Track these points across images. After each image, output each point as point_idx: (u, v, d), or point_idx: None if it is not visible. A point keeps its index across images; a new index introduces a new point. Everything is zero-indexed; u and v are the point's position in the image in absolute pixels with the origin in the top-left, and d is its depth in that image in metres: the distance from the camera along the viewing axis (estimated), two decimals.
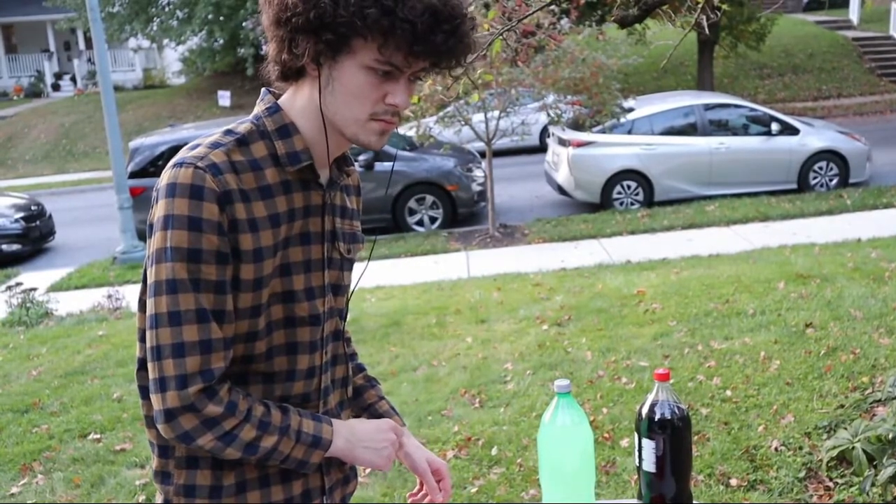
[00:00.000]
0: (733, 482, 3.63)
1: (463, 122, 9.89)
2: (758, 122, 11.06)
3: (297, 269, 1.46)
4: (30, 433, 4.99)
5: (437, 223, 10.89)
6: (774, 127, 10.87)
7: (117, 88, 27.14)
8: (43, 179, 19.44)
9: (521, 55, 9.24)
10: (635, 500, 1.85)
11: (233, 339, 1.40)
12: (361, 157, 10.63)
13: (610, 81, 9.85)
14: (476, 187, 11.01)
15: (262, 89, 1.52)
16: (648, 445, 1.81)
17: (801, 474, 3.65)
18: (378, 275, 8.69)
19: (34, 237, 12.25)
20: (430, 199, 10.90)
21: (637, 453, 1.83)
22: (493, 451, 4.15)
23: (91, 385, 5.78)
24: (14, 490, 4.31)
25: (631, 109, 10.86)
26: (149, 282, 1.37)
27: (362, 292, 7.90)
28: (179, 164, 1.35)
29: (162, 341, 1.34)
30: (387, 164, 10.77)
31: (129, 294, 8.69)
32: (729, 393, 4.52)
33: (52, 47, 29.42)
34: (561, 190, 11.23)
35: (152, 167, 10.92)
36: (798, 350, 5.00)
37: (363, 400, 1.76)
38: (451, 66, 1.39)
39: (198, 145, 1.39)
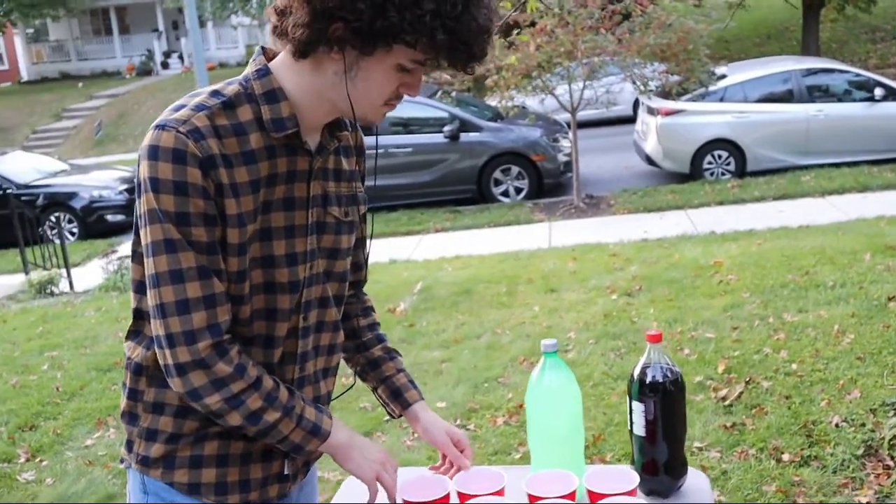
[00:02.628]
0: (786, 457, 3.50)
1: (546, 92, 9.77)
2: (861, 87, 10.49)
3: (279, 234, 1.45)
4: (108, 390, 5.24)
5: (523, 194, 10.82)
6: (878, 92, 10.29)
7: (221, 65, 28.02)
8: None
9: (605, 22, 9.06)
10: (627, 466, 1.80)
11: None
12: (447, 128, 10.66)
13: (699, 47, 9.53)
14: (562, 158, 10.87)
15: (258, 47, 1.49)
16: (639, 408, 1.76)
17: (860, 451, 3.48)
18: (459, 245, 8.73)
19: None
20: (515, 169, 10.83)
21: (629, 417, 1.79)
22: None
23: None
24: (89, 442, 4.55)
25: (722, 76, 10.48)
26: (144, 242, 1.37)
27: (441, 262, 7.95)
28: (162, 127, 1.34)
29: (165, 299, 1.35)
30: (472, 135, 10.76)
31: None
32: (795, 367, 4.34)
33: (161, 27, 30.48)
34: (649, 160, 10.97)
35: None
36: (876, 324, 4.76)
37: (381, 371, 1.76)
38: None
39: (183, 106, 1.38)
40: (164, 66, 29.00)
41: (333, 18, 1.27)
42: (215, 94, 1.40)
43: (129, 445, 1.53)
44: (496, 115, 11.15)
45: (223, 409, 1.39)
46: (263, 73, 1.42)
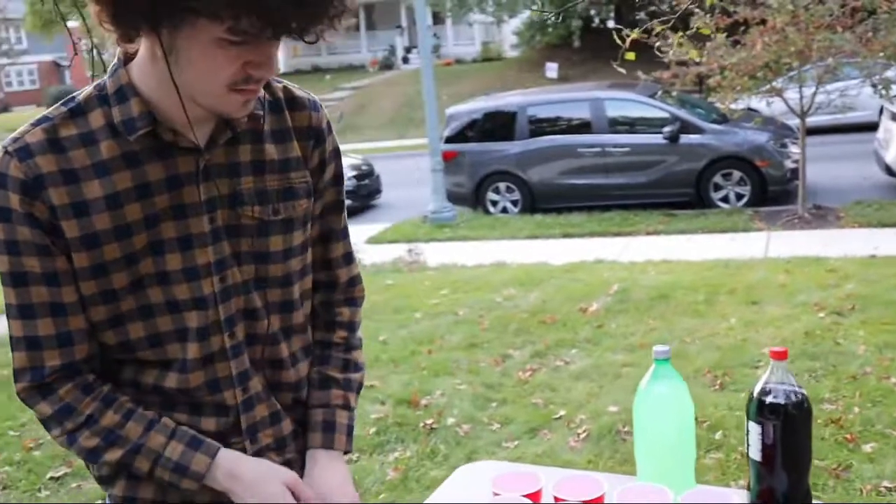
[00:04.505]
0: None
1: (774, 95, 9.20)
2: None
3: (171, 246, 1.29)
4: None
5: (744, 200, 10.25)
6: None
7: (458, 61, 28.81)
8: (384, 144, 21.28)
9: (844, 19, 8.39)
10: (742, 489, 1.69)
11: (87, 331, 1.30)
12: (666, 129, 10.33)
13: None
14: (790, 164, 10.18)
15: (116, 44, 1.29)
16: (755, 431, 1.63)
17: None
18: (668, 249, 8.46)
19: (363, 194, 13.49)
20: (737, 174, 10.29)
21: (746, 439, 1.67)
22: (717, 436, 3.91)
23: (365, 326, 6.27)
24: None
25: None
26: None
27: (645, 265, 7.75)
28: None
29: (9, 332, 1.30)
30: (693, 137, 10.36)
31: (429, 251, 9.29)
32: None
33: (404, 23, 31.80)
34: (890, 171, 10.02)
35: (466, 133, 11.50)
36: None
37: (309, 398, 1.49)
38: (326, 26, 1.14)
39: (33, 120, 1.27)
40: (405, 60, 30.28)
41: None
42: (67, 101, 1.28)
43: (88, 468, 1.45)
44: (721, 118, 10.66)
45: (64, 444, 1.31)
46: (115, 68, 1.27)
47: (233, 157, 1.32)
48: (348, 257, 1.56)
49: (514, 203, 11.28)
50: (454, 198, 11.46)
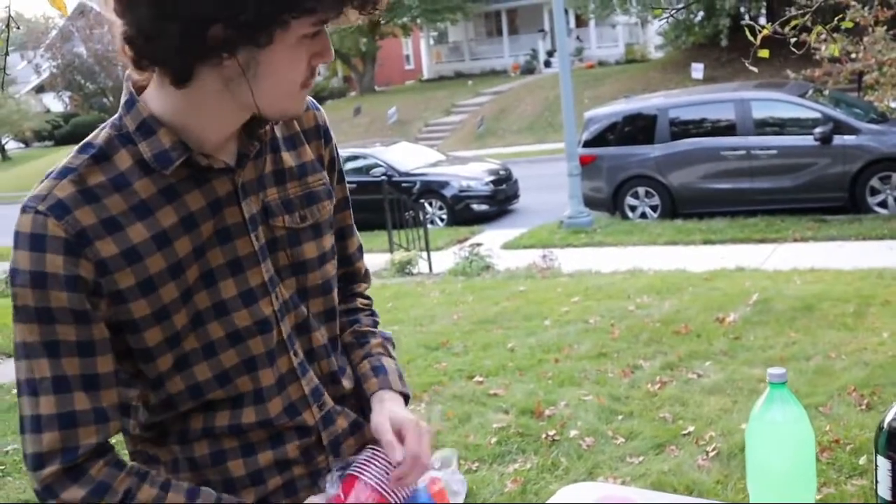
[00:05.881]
0: None
1: None
2: None
3: (222, 273, 1.24)
4: (431, 368, 5.60)
5: None
6: None
7: (601, 63, 28.40)
8: (523, 148, 21.21)
9: None
10: None
11: (119, 406, 1.22)
12: (818, 130, 9.78)
13: None
14: None
15: (126, 75, 1.23)
16: (885, 466, 1.48)
17: None
18: (816, 257, 8.02)
19: (500, 199, 13.51)
20: None
21: (874, 475, 1.52)
22: (861, 461, 3.63)
23: (494, 333, 6.27)
24: None
25: None
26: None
27: (791, 273, 7.36)
28: (23, 208, 1.15)
29: (22, 412, 1.17)
30: (847, 138, 9.75)
31: (564, 257, 9.18)
32: None
33: (547, 27, 31.62)
34: None
35: (604, 137, 11.28)
36: None
37: (350, 361, 1.47)
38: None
39: (50, 174, 1.18)
40: (547, 64, 30.09)
41: (208, 23, 1.04)
42: (85, 147, 1.19)
43: None
44: (880, 117, 9.99)
45: None
46: (130, 104, 1.19)
47: (259, 171, 1.29)
48: (361, 249, 1.56)
49: (654, 208, 10.98)
50: (592, 203, 11.27)
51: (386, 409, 1.35)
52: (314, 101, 1.42)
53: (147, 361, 1.23)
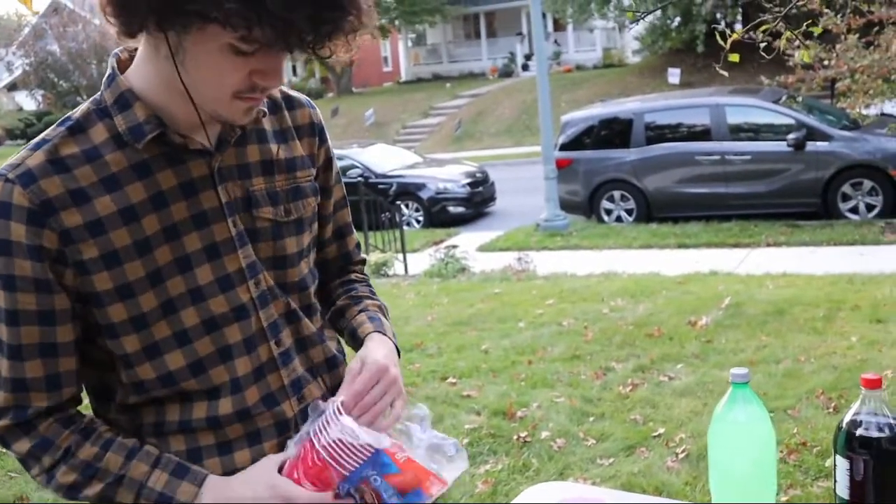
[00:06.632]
0: None
1: None
2: None
3: (199, 258, 1.23)
4: (405, 369, 5.59)
5: (875, 212, 9.71)
6: None
7: (579, 67, 28.52)
8: (501, 151, 21.26)
9: None
10: None
11: (76, 372, 1.24)
12: (791, 136, 9.88)
13: None
14: None
15: (112, 53, 1.26)
16: (843, 465, 1.50)
17: None
18: (789, 262, 8.10)
19: (477, 201, 13.53)
20: (868, 184, 9.74)
21: (833, 473, 1.54)
22: (827, 463, 3.67)
23: (468, 335, 6.28)
24: None
25: None
26: None
27: (763, 278, 7.42)
28: None
29: None
30: (820, 144, 9.86)
31: (539, 259, 9.21)
32: None
33: (525, 31, 31.71)
34: None
35: (580, 140, 11.32)
36: None
37: (344, 319, 1.49)
38: (342, 42, 1.11)
39: (30, 144, 1.20)
40: (525, 67, 30.16)
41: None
42: (64, 121, 1.21)
43: None
44: (852, 124, 10.11)
45: (43, 483, 1.23)
46: (111, 78, 1.21)
47: (242, 158, 1.29)
48: (359, 246, 1.60)
49: (629, 212, 11.05)
50: (568, 206, 11.31)
51: (367, 349, 1.37)
52: (309, 99, 1.43)
53: (112, 338, 1.23)
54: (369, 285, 1.58)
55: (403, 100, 28.54)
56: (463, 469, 1.31)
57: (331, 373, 1.40)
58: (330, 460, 1.21)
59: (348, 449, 1.20)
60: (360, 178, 11.97)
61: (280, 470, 1.25)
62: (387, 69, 38.16)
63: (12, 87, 37.80)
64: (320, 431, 1.23)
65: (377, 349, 1.37)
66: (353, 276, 1.57)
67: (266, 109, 1.32)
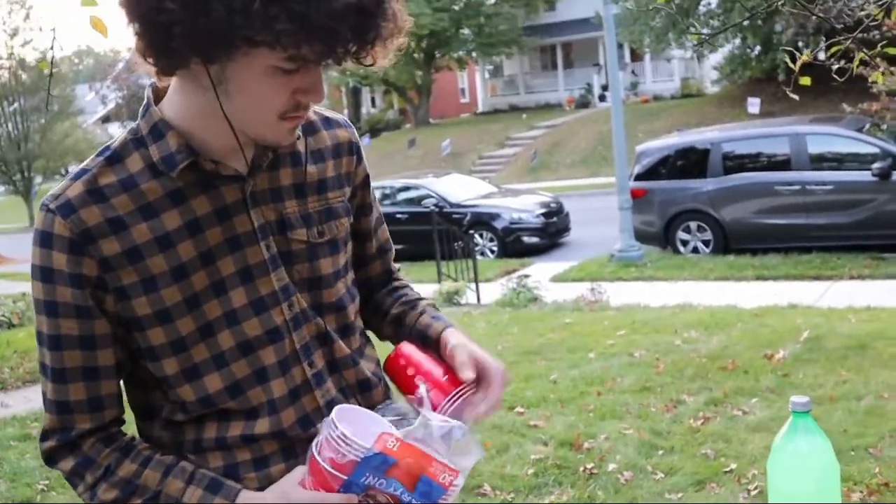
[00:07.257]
0: None
1: None
2: None
3: (233, 282, 1.26)
4: None
5: None
6: None
7: (656, 98, 28.26)
8: (576, 181, 21.18)
9: None
10: None
11: (118, 395, 1.30)
12: (876, 165, 9.56)
13: None
14: None
15: (148, 84, 1.30)
16: None
17: None
18: (873, 295, 7.81)
19: (551, 231, 13.47)
20: None
21: None
22: None
23: (537, 364, 6.23)
24: None
25: None
26: None
27: (845, 312, 7.18)
28: (40, 206, 1.24)
29: (42, 389, 1.30)
30: None
31: (613, 290, 9.09)
32: None
33: (601, 61, 31.62)
34: None
35: (656, 170, 11.19)
36: None
37: (406, 327, 1.48)
38: (381, 49, 1.14)
39: (71, 174, 1.25)
40: (602, 98, 30.03)
41: (162, 26, 1.07)
42: (102, 150, 1.26)
43: None
44: None
45: (87, 500, 1.27)
46: (146, 108, 1.26)
47: (275, 182, 1.31)
48: (394, 256, 1.61)
49: (706, 243, 10.83)
50: (643, 237, 11.17)
51: (470, 344, 1.35)
52: (346, 119, 1.46)
53: (153, 361, 1.27)
54: (412, 288, 1.60)
55: (480, 131, 28.70)
56: (477, 457, 1.24)
57: (363, 394, 1.39)
58: (324, 462, 1.17)
59: (336, 443, 1.15)
60: (434, 208, 12.06)
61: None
62: (464, 100, 38.50)
63: (105, 119, 39.41)
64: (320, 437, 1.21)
65: (475, 346, 1.36)
66: (395, 283, 1.59)
67: (300, 132, 1.34)
